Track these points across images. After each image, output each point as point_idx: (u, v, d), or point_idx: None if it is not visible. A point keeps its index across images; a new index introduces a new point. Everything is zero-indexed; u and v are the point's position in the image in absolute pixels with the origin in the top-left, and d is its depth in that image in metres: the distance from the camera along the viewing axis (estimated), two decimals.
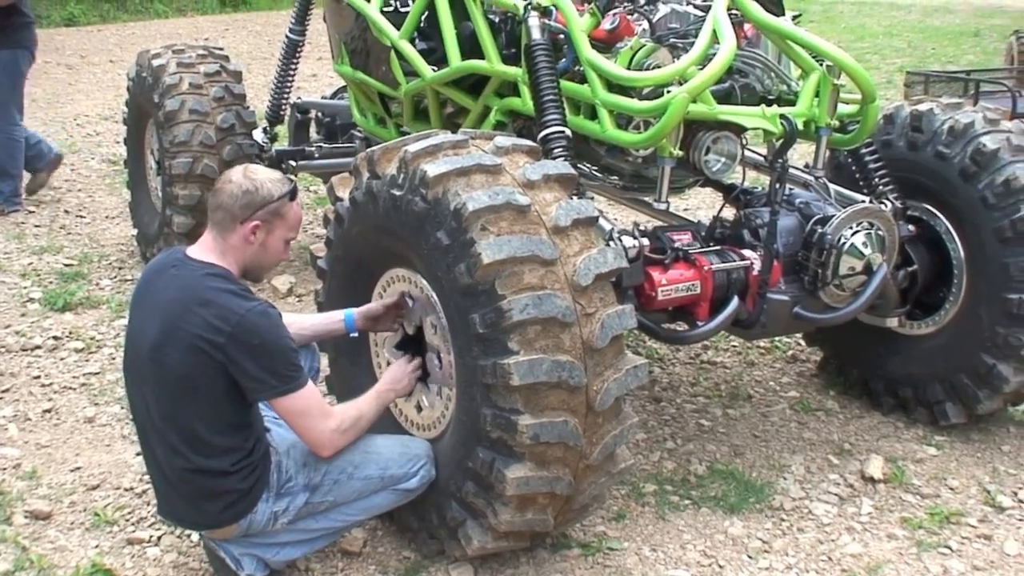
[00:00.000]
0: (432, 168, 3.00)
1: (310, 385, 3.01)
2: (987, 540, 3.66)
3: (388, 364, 3.53)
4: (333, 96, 6.87)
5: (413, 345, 3.43)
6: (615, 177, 4.24)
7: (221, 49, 6.32)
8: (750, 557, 3.50)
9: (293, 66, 6.34)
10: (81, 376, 4.81)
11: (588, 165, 4.19)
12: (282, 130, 6.67)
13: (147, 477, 3.34)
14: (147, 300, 3.04)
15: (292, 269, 6.28)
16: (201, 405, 2.92)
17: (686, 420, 4.45)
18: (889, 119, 4.40)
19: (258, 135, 6.03)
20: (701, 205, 7.50)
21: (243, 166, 3.15)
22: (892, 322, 4.29)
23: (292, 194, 3.10)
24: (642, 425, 4.34)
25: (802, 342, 5.08)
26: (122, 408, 4.38)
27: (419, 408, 3.41)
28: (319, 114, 6.59)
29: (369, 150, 3.34)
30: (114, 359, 4.93)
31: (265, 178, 3.06)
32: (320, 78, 12.97)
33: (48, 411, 4.47)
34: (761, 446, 4.26)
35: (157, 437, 3.00)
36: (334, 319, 3.47)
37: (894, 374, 4.44)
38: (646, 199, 4.35)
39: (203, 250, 3.06)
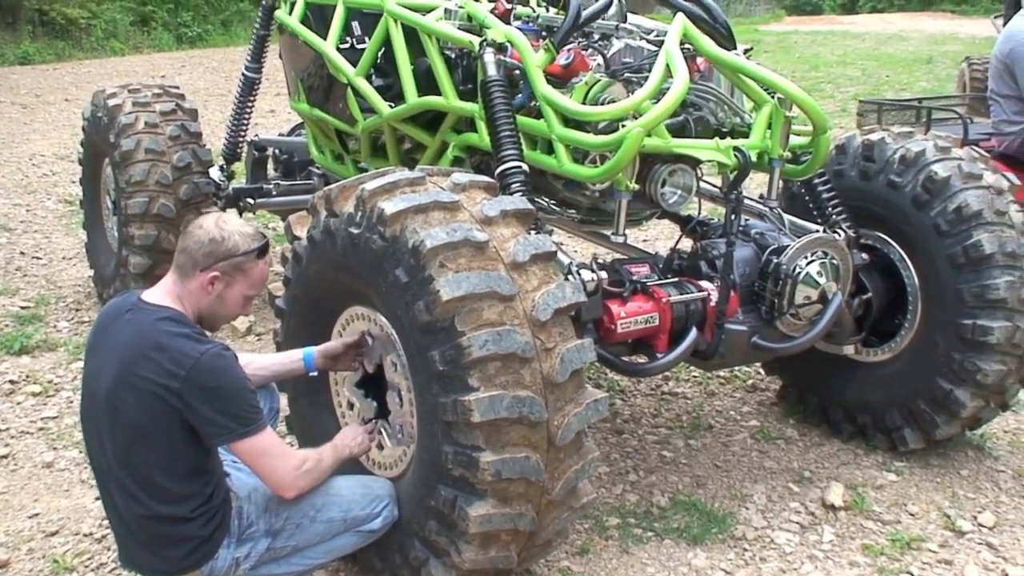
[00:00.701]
0: (390, 206, 3.00)
1: (269, 429, 2.98)
2: (948, 565, 3.69)
3: (348, 403, 3.52)
4: (290, 133, 6.88)
5: (373, 383, 3.42)
6: (573, 211, 4.27)
7: (177, 87, 6.31)
8: None
9: (250, 103, 6.34)
10: (39, 420, 4.76)
11: (546, 199, 4.22)
12: (239, 167, 6.65)
13: (107, 522, 3.29)
14: (102, 345, 3.00)
15: (251, 307, 6.24)
16: (158, 451, 2.88)
17: (648, 452, 4.46)
18: (841, 149, 4.46)
19: (215, 173, 6.02)
20: (660, 236, 7.56)
21: (218, 214, 3.13)
22: (849, 349, 4.34)
23: (260, 252, 3.06)
24: (604, 458, 4.35)
25: (761, 371, 5.12)
26: (80, 452, 4.33)
27: (380, 447, 3.40)
28: (276, 151, 6.59)
29: (326, 188, 3.33)
30: (72, 403, 4.88)
31: (235, 230, 3.02)
32: (278, 114, 12.97)
33: (5, 457, 4.41)
34: (723, 476, 4.27)
35: (115, 483, 2.95)
36: (293, 358, 3.45)
37: (852, 401, 4.48)
38: (604, 232, 4.38)
39: (160, 293, 3.02)
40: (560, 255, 3.35)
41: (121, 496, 2.95)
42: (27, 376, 5.25)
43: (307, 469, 3.04)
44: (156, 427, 2.85)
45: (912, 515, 4.01)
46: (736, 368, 5.21)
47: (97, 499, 3.75)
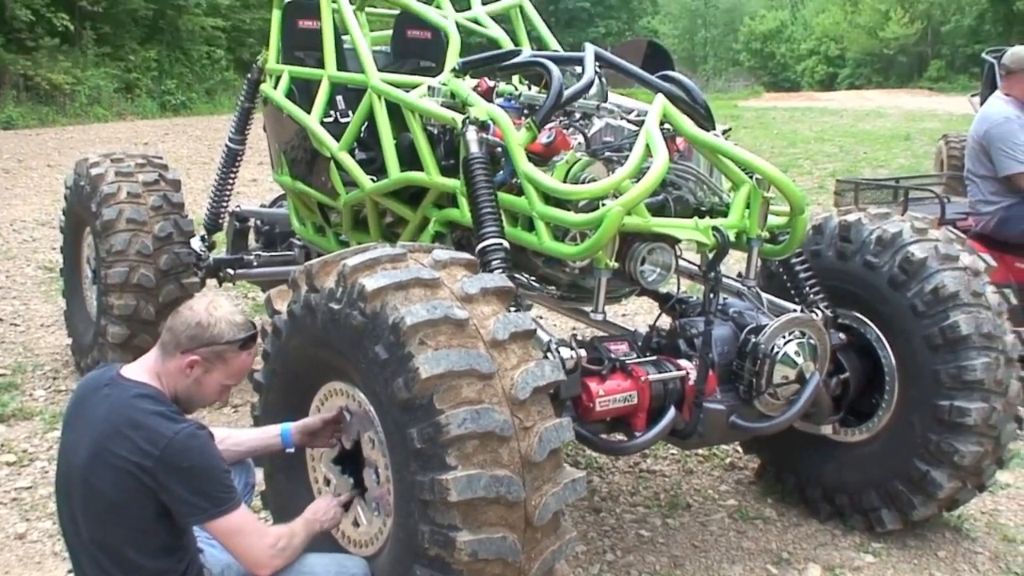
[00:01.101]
0: (370, 282, 3.01)
1: (244, 507, 2.96)
2: None
3: (325, 479, 3.50)
4: (272, 204, 6.91)
5: (350, 460, 3.40)
6: (553, 287, 4.29)
7: (160, 157, 6.34)
8: None
9: (233, 175, 6.38)
10: (12, 491, 4.70)
11: (526, 275, 4.24)
12: (221, 237, 6.66)
13: None
14: (79, 419, 2.99)
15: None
16: (132, 528, 2.85)
17: (626, 531, 4.44)
18: (818, 229, 4.51)
19: (196, 243, 6.03)
20: (639, 310, 7.58)
21: (212, 298, 3.12)
22: (826, 429, 4.34)
23: (245, 343, 3.06)
24: (582, 537, 4.31)
25: (740, 449, 5.11)
26: (54, 524, 4.27)
27: (356, 524, 3.37)
28: (258, 222, 6.60)
29: (307, 264, 3.34)
30: (47, 473, 4.82)
31: (223, 317, 3.02)
32: (260, 183, 13.02)
33: None
34: (700, 556, 4.25)
35: (88, 559, 2.92)
36: (271, 434, 3.43)
37: (830, 481, 4.48)
38: (584, 308, 4.39)
39: (139, 369, 3.01)
40: (539, 332, 3.36)
41: (94, 571, 2.92)
42: (2, 445, 5.20)
43: (281, 547, 3.00)
44: (130, 504, 2.83)
45: None
46: (714, 446, 5.19)
47: (70, 572, 3.69)
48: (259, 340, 3.24)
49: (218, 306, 3.06)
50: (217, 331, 2.99)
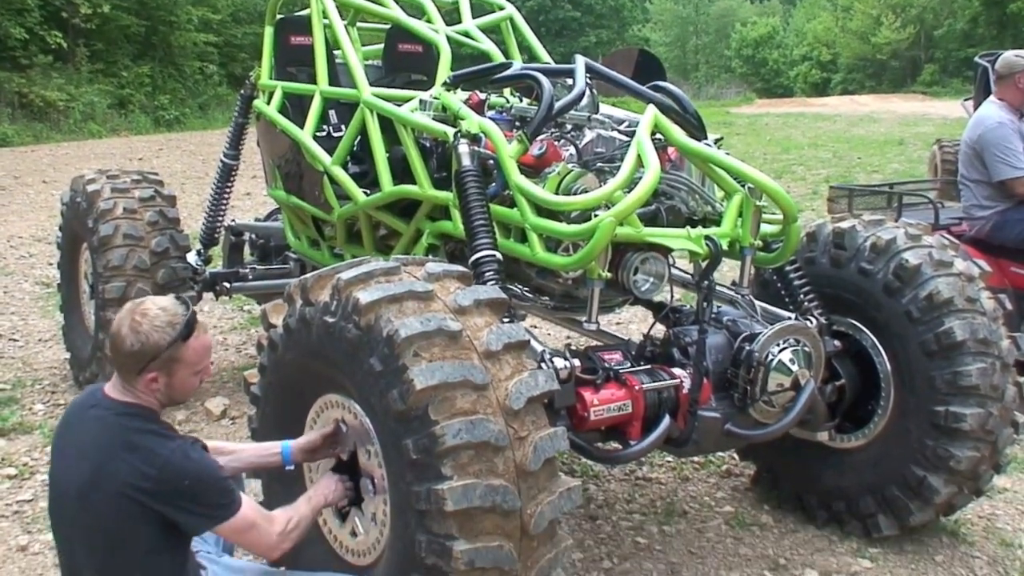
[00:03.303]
0: (365, 295, 3.03)
1: (245, 499, 2.97)
2: None
3: None
4: (267, 218, 6.94)
5: (347, 471, 3.41)
6: (546, 297, 4.30)
7: (156, 173, 6.37)
8: None
9: (227, 189, 6.42)
10: (14, 504, 4.71)
11: (520, 286, 4.26)
12: (216, 251, 6.68)
13: None
14: (70, 443, 2.98)
15: (226, 391, 6.24)
16: (133, 550, 2.85)
17: (622, 538, 4.45)
18: (812, 237, 4.53)
19: (192, 258, 6.06)
20: (633, 319, 7.60)
21: (131, 311, 2.95)
22: (822, 436, 4.35)
23: (185, 334, 2.94)
24: (578, 545, 4.33)
25: (736, 456, 5.12)
26: None
27: (354, 534, 3.39)
28: (253, 236, 6.63)
29: (302, 278, 3.36)
30: (47, 486, 4.81)
31: (150, 328, 2.89)
32: (254, 196, 13.03)
33: None
34: (697, 563, 4.26)
35: None
36: (271, 451, 3.43)
37: (827, 487, 4.49)
38: (577, 318, 4.41)
39: (118, 389, 2.99)
40: (533, 343, 3.38)
41: None
42: (2, 459, 5.22)
43: (289, 530, 3.04)
44: (127, 527, 2.83)
45: None
46: (710, 454, 5.20)
47: None
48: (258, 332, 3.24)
49: (141, 318, 2.91)
50: (152, 344, 2.88)
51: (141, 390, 2.95)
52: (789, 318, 4.14)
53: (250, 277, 6.28)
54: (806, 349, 3.93)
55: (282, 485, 3.69)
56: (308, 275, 3.36)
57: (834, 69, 61.47)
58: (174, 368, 2.96)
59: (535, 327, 6.84)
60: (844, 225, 4.46)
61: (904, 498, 4.21)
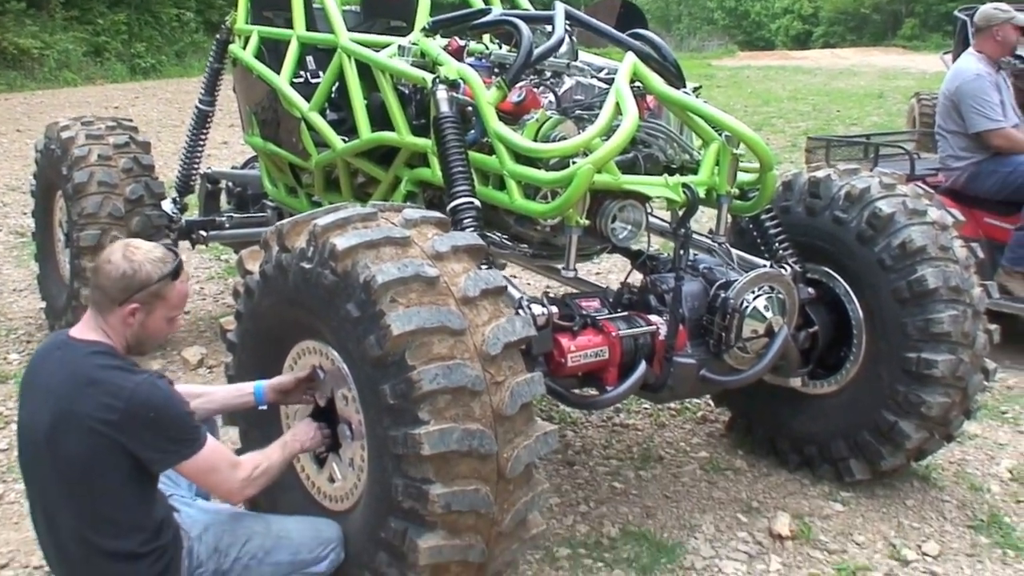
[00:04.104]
0: (341, 241, 3.03)
1: (211, 440, 2.98)
2: None
3: None
4: (244, 166, 6.90)
5: (324, 417, 3.43)
6: (524, 245, 4.31)
7: (130, 120, 6.32)
8: None
9: (203, 136, 6.37)
10: None
11: (498, 234, 4.26)
12: (192, 200, 6.65)
13: None
14: (36, 387, 2.98)
15: (203, 340, 6.24)
16: (102, 486, 2.86)
17: (599, 483, 4.49)
18: (788, 186, 4.54)
19: (167, 206, 6.03)
20: (612, 269, 7.62)
21: (124, 243, 3.05)
22: (796, 382, 4.40)
23: (174, 274, 3.01)
24: (555, 489, 4.37)
25: (711, 403, 5.17)
26: None
27: (331, 480, 3.41)
28: (229, 184, 6.60)
29: (278, 224, 3.36)
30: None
31: (144, 259, 2.96)
32: (231, 145, 12.95)
33: None
34: (672, 507, 4.31)
35: (62, 524, 2.93)
36: (244, 392, 3.45)
37: (799, 432, 4.55)
38: (555, 266, 4.43)
39: (85, 329, 3.00)
40: (511, 289, 3.39)
41: (69, 536, 2.93)
42: None
43: (255, 476, 3.06)
44: (98, 462, 2.84)
45: (858, 544, 4.06)
46: (686, 400, 5.25)
47: None
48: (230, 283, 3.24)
49: (135, 249, 3.00)
50: (144, 274, 2.94)
51: (114, 325, 2.97)
52: (764, 266, 4.17)
53: (226, 225, 6.25)
54: (780, 296, 3.96)
55: (260, 431, 3.70)
56: (284, 221, 3.35)
57: (815, 22, 61.28)
58: (155, 305, 2.99)
59: (515, 276, 6.86)
60: (819, 174, 4.48)
61: (875, 443, 4.27)
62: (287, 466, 3.32)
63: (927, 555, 4.00)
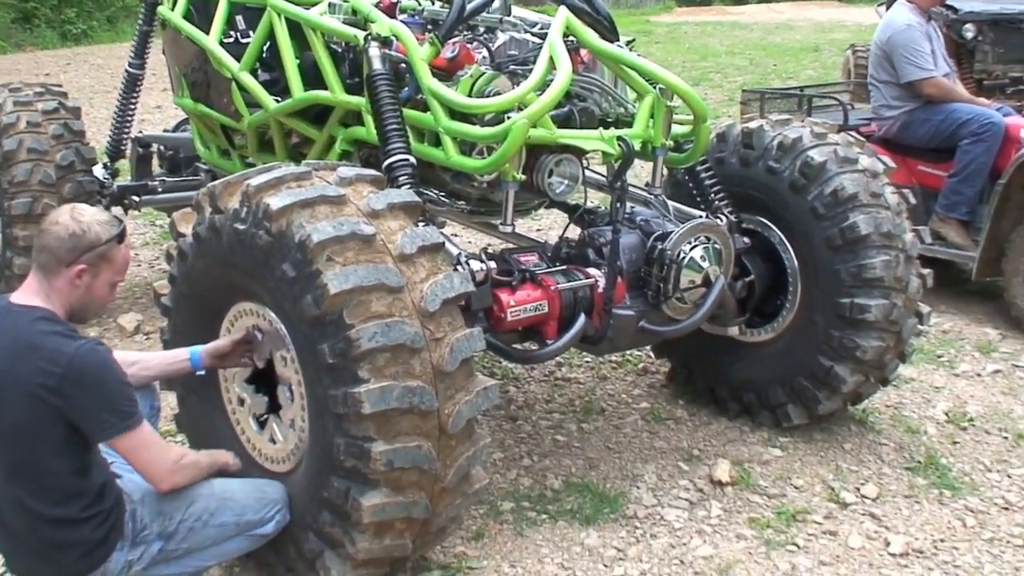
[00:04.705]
0: (275, 201, 3.01)
1: (146, 423, 2.97)
2: (832, 535, 3.82)
3: (239, 399, 3.52)
4: (176, 129, 6.79)
5: (263, 379, 3.42)
6: (462, 202, 4.29)
7: (59, 86, 6.21)
8: (606, 566, 3.59)
9: (133, 101, 6.25)
10: None
11: (435, 191, 4.23)
12: (125, 165, 6.55)
13: None
14: None
15: (139, 307, 6.17)
16: (44, 452, 2.84)
17: (542, 437, 4.53)
18: (722, 137, 4.57)
19: (99, 171, 5.93)
20: (553, 225, 7.62)
21: (71, 206, 3.06)
22: (733, 331, 4.46)
23: (120, 236, 3.02)
24: (499, 444, 4.40)
25: (652, 354, 5.22)
26: None
27: (273, 441, 3.40)
28: (161, 147, 6.49)
29: (211, 184, 3.32)
30: None
31: (92, 220, 2.97)
32: (165, 110, 12.73)
33: None
34: (615, 458, 4.36)
35: (4, 494, 2.90)
36: (179, 357, 3.42)
37: (738, 380, 4.61)
38: (494, 222, 4.42)
39: (27, 294, 2.97)
40: (449, 246, 3.39)
41: (9, 504, 2.91)
42: None
43: (184, 464, 3.06)
44: (39, 428, 2.82)
45: (797, 488, 4.13)
46: (627, 352, 5.29)
47: None
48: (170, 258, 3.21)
49: (82, 211, 3.01)
50: (93, 234, 2.94)
51: (60, 288, 2.94)
52: (700, 217, 4.19)
53: (159, 190, 6.15)
54: (716, 247, 3.99)
55: (198, 397, 3.68)
56: (217, 182, 3.32)
57: None
58: (102, 268, 2.98)
59: (456, 235, 6.84)
60: (752, 125, 4.52)
61: (812, 388, 4.33)
62: (230, 434, 3.39)
63: (865, 497, 4.09)
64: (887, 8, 8.24)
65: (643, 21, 28.51)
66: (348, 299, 2.88)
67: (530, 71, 3.80)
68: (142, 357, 3.46)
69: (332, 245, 2.92)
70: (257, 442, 3.47)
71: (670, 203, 4.29)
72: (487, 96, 3.83)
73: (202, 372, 3.43)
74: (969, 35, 9.65)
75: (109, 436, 2.89)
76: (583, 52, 4.10)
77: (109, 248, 2.98)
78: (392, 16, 4.24)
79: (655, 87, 3.99)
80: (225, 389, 3.61)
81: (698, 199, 4.43)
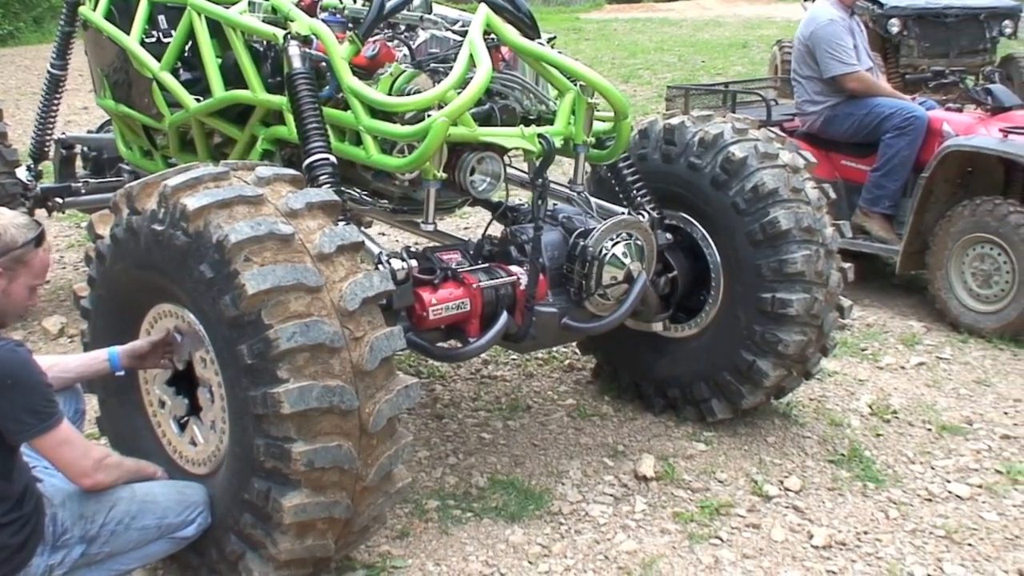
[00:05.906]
0: (192, 201, 2.99)
1: (67, 422, 2.94)
2: (756, 528, 3.87)
3: (159, 401, 3.49)
4: (99, 129, 6.72)
5: (184, 380, 3.39)
6: (384, 201, 4.29)
7: None
8: (530, 563, 3.60)
9: (56, 101, 6.19)
10: None
11: (357, 190, 4.24)
12: (48, 167, 6.45)
13: None
14: None
15: (63, 309, 6.08)
16: None
17: (467, 435, 4.54)
18: (644, 133, 4.61)
19: (22, 173, 5.86)
20: (480, 224, 7.63)
21: None
22: (657, 326, 4.50)
23: (38, 240, 2.99)
24: (424, 442, 4.40)
25: (577, 351, 5.24)
26: None
27: (193, 443, 3.38)
28: (85, 149, 6.41)
29: (128, 186, 3.30)
30: None
31: (9, 223, 2.94)
32: (92, 111, 12.53)
33: None
34: (540, 454, 4.38)
35: None
36: (98, 359, 3.38)
37: (662, 376, 4.64)
38: (417, 221, 4.42)
39: None
40: (370, 245, 3.39)
41: None
42: None
43: (107, 463, 3.03)
44: None
45: (721, 482, 4.18)
46: (553, 349, 5.32)
47: None
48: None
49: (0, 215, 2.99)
50: (9, 237, 2.92)
51: None
52: (622, 213, 4.23)
53: (83, 191, 6.08)
54: (639, 243, 4.03)
55: (118, 399, 3.64)
56: (134, 183, 3.29)
57: None
58: (18, 272, 2.95)
59: (384, 234, 6.83)
60: (674, 121, 4.55)
61: (735, 382, 4.38)
62: (151, 436, 3.37)
63: (789, 490, 4.13)
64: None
65: (573, 18, 28.57)
66: (266, 299, 2.86)
67: (451, 69, 3.81)
68: (61, 359, 3.43)
69: (250, 245, 2.91)
70: (178, 444, 3.45)
71: (593, 200, 4.32)
72: (407, 94, 3.83)
73: (121, 372, 3.40)
74: (894, 30, 9.87)
75: (29, 437, 2.86)
76: (504, 49, 4.10)
77: (26, 252, 2.95)
78: (312, 15, 4.22)
79: (576, 84, 4.01)
80: (146, 391, 3.57)
81: (621, 196, 4.46)
